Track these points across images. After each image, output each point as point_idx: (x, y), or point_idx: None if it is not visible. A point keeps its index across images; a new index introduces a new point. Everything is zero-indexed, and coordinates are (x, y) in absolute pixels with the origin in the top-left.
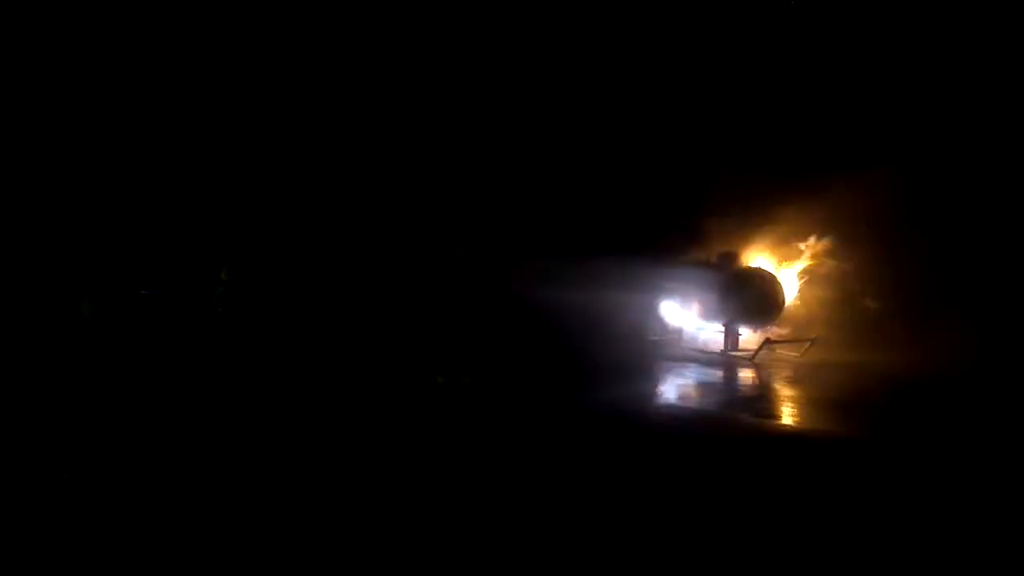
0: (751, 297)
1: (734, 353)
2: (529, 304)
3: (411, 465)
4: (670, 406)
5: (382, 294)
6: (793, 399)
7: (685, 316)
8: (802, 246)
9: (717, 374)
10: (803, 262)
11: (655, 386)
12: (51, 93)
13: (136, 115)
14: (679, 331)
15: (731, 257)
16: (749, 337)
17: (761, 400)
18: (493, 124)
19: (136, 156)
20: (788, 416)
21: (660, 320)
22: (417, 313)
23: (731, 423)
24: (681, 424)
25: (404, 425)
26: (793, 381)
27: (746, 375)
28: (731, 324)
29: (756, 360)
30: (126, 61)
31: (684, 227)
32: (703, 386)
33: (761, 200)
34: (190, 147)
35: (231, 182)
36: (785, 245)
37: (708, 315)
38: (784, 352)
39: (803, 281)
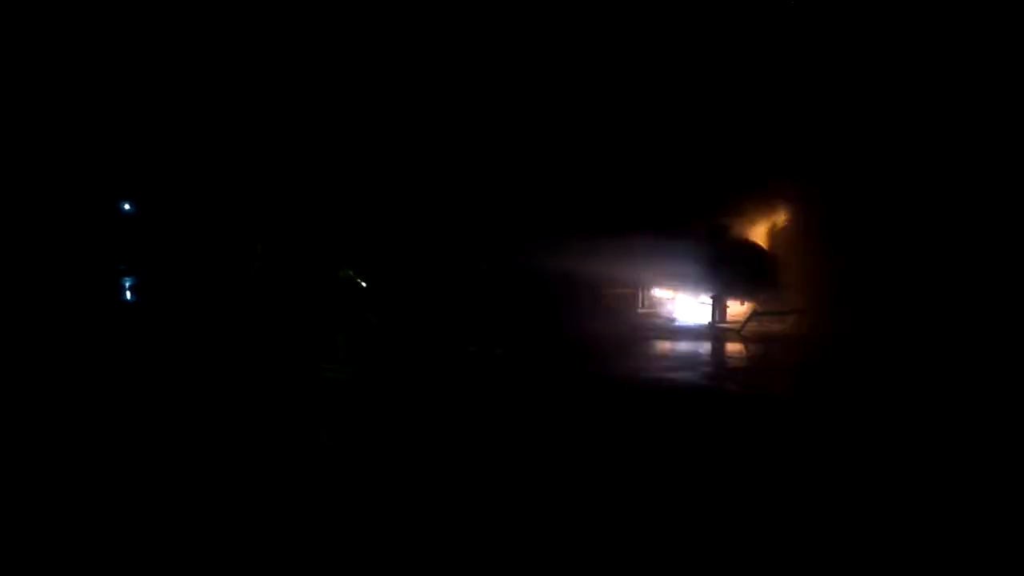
0: (739, 270)
1: (722, 325)
2: (538, 279)
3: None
4: (660, 377)
5: (419, 273)
6: (778, 371)
7: (675, 288)
8: (790, 219)
9: (705, 346)
10: (791, 235)
11: (648, 358)
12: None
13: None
14: (669, 303)
15: (720, 230)
16: (737, 309)
17: (748, 371)
18: (501, 121)
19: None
20: (774, 387)
21: (651, 293)
22: (452, 290)
23: (718, 393)
24: (671, 393)
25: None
26: (778, 352)
27: (733, 347)
28: (719, 296)
29: (744, 332)
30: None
31: (674, 201)
32: (691, 357)
33: (751, 174)
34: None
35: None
36: (774, 218)
37: (697, 287)
38: (771, 324)
39: (790, 253)
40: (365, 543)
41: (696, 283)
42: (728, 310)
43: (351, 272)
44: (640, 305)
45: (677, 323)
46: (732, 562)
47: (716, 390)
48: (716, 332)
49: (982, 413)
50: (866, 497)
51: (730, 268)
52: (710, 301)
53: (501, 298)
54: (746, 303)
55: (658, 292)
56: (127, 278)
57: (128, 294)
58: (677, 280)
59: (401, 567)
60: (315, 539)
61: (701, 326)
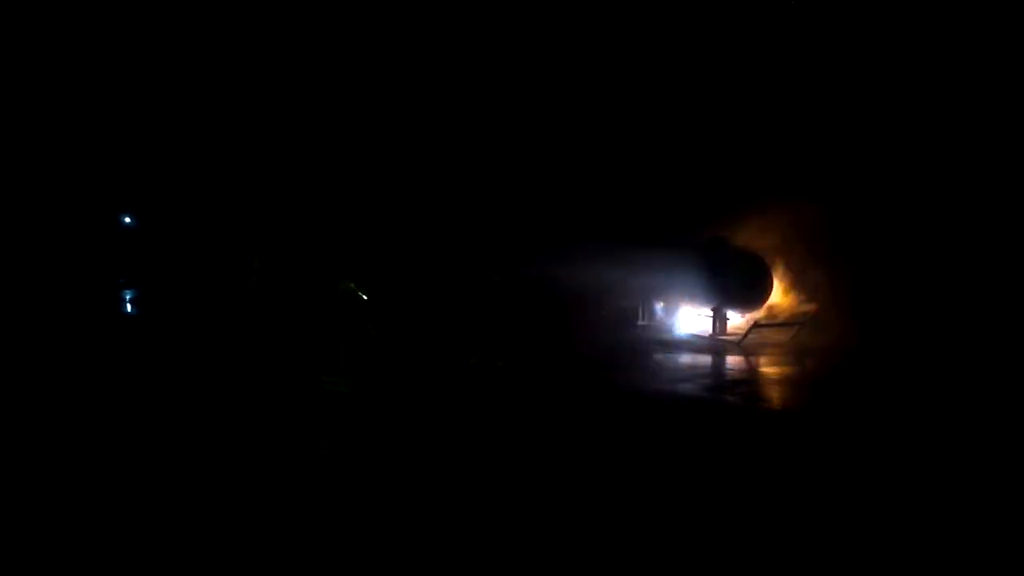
0: (740, 281)
1: (723, 337)
2: (539, 291)
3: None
4: (660, 390)
5: (420, 285)
6: (779, 383)
7: (675, 301)
8: (790, 231)
9: (706, 358)
10: (792, 246)
11: (648, 370)
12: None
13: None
14: (669, 315)
15: (720, 241)
16: (738, 321)
17: (747, 384)
18: (503, 132)
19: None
20: (774, 400)
21: (651, 305)
22: (454, 303)
23: (719, 406)
24: (672, 406)
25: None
26: (779, 365)
27: (734, 359)
28: (720, 308)
29: (744, 344)
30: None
31: (675, 213)
32: (691, 370)
33: (751, 185)
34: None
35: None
36: (775, 230)
37: (697, 299)
38: (772, 336)
39: (792, 265)
40: (364, 554)
41: (697, 295)
42: (729, 322)
43: (352, 285)
44: (640, 317)
45: (678, 335)
46: (734, 569)
47: (717, 403)
48: (717, 344)
49: (985, 423)
50: (868, 509)
51: (731, 280)
52: (711, 313)
53: (503, 310)
54: (747, 315)
55: (659, 304)
56: (126, 291)
57: (127, 307)
58: (678, 292)
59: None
60: (315, 550)
61: (702, 338)
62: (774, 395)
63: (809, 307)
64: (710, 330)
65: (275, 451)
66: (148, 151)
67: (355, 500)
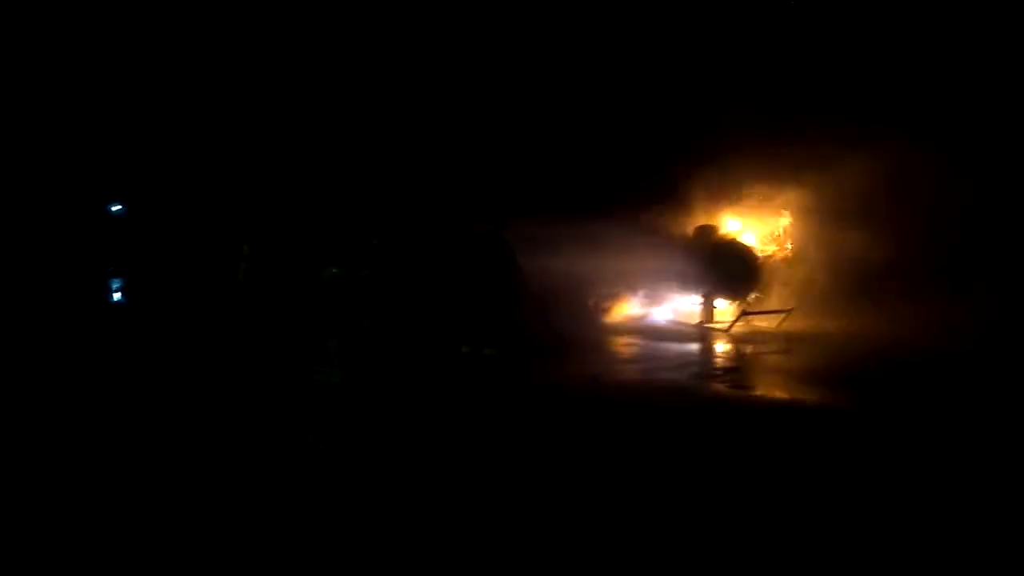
0: (728, 269)
1: (710, 325)
2: (528, 279)
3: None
4: (648, 378)
5: (415, 272)
6: (768, 370)
7: (662, 288)
8: (780, 218)
9: (693, 346)
10: (780, 234)
11: (636, 359)
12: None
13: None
14: (658, 304)
15: (708, 229)
16: (725, 309)
17: (736, 372)
18: (488, 117)
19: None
20: (762, 387)
21: (639, 293)
22: (442, 289)
23: (708, 394)
24: (661, 395)
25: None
26: (768, 352)
27: (721, 347)
28: (707, 296)
29: (732, 332)
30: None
31: (662, 198)
32: (679, 358)
33: (740, 171)
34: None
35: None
36: (762, 217)
37: (685, 287)
38: (760, 323)
39: (780, 253)
40: (355, 545)
41: (684, 283)
42: (716, 310)
43: (335, 271)
44: (628, 306)
45: (665, 324)
46: (728, 562)
47: (704, 390)
48: (704, 332)
49: (976, 411)
50: (863, 499)
51: (718, 268)
52: (699, 301)
53: (493, 299)
54: (735, 303)
55: (647, 293)
56: (114, 280)
57: (115, 296)
58: (665, 280)
59: (392, 569)
60: (304, 541)
61: (689, 326)
62: (762, 382)
63: (796, 295)
64: (698, 318)
65: (265, 442)
66: (135, 138)
67: (346, 491)
